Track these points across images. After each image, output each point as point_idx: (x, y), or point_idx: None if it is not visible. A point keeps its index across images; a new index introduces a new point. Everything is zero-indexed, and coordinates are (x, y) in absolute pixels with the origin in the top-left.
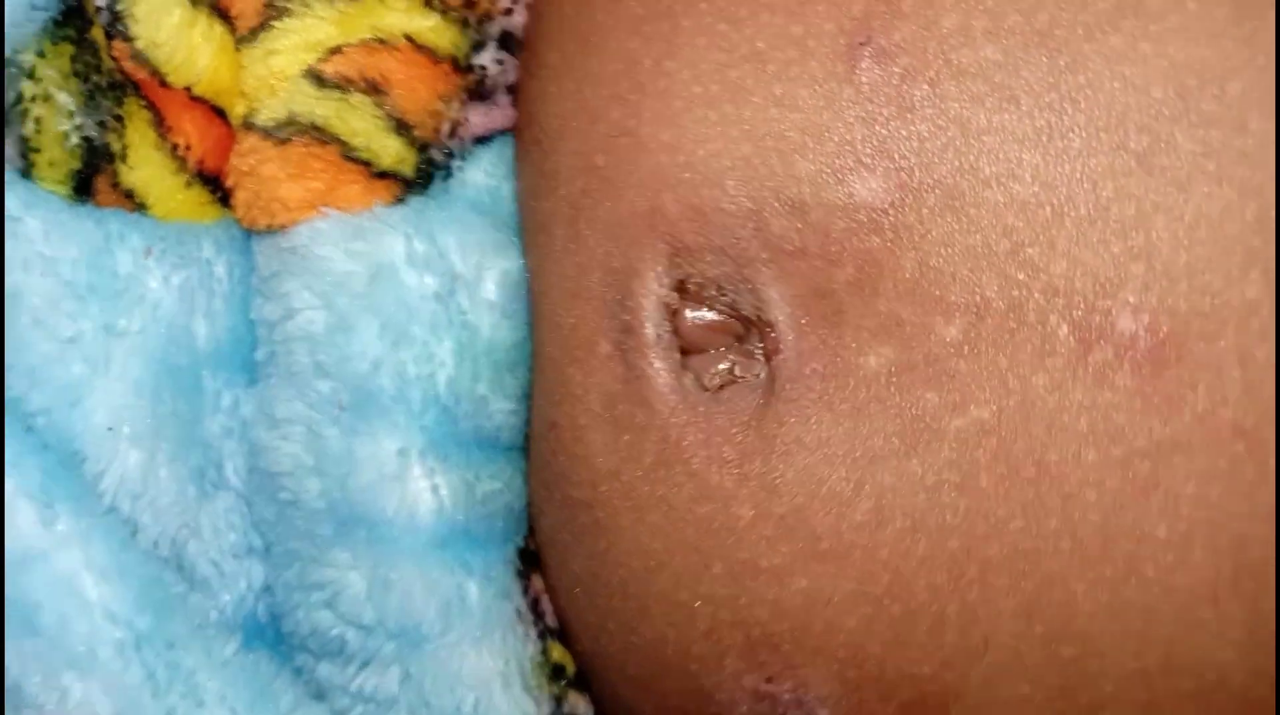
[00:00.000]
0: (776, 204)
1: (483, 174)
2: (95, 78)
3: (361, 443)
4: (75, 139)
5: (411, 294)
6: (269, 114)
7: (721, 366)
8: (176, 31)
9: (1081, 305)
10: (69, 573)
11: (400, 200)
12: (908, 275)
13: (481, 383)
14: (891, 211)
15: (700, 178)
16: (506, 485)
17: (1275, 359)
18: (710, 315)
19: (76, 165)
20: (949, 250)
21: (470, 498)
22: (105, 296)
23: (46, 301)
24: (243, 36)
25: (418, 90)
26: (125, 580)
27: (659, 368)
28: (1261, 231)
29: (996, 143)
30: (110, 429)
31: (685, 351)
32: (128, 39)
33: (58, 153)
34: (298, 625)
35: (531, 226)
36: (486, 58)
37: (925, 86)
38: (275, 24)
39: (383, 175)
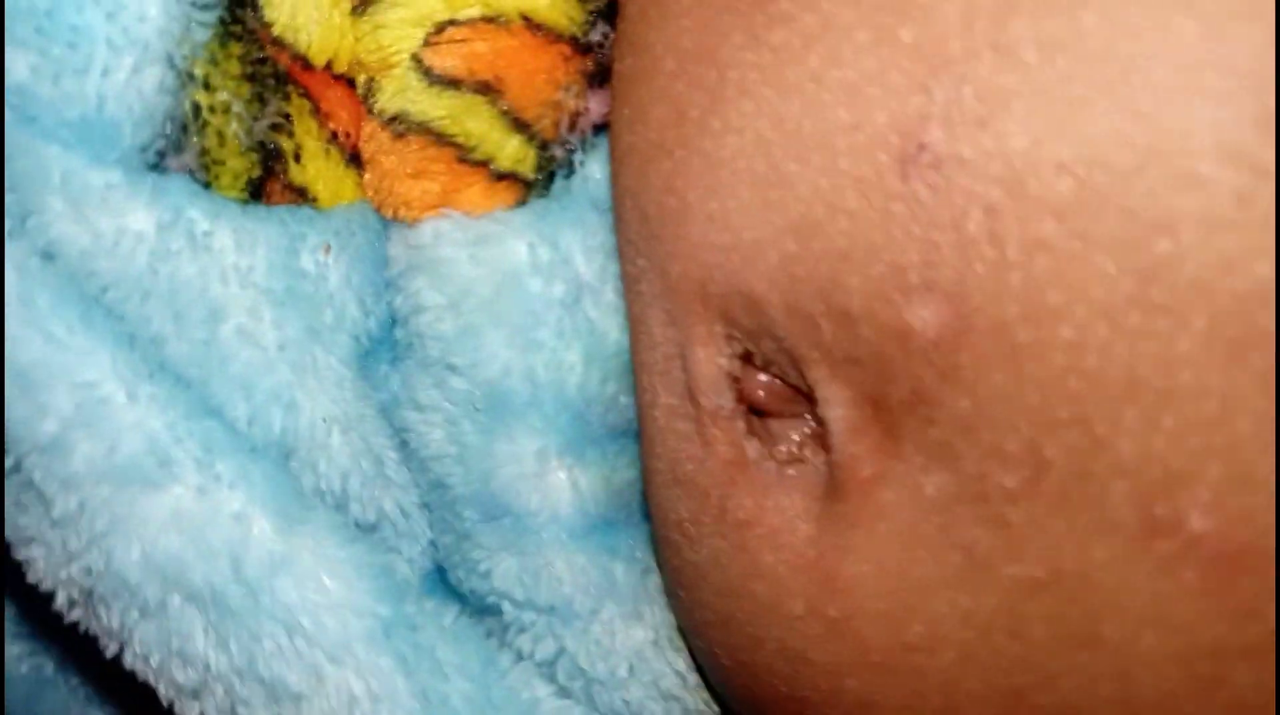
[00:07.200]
0: (824, 309)
1: (604, 167)
2: (262, 71)
3: (500, 442)
4: (250, 144)
5: (537, 301)
6: (383, 103)
7: (793, 437)
8: (310, 11)
9: (1148, 492)
10: (311, 573)
11: (522, 202)
12: (962, 413)
13: (611, 382)
14: (943, 348)
15: (746, 265)
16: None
17: None
18: (778, 383)
19: (256, 173)
20: (1005, 402)
21: (609, 490)
22: (300, 300)
23: (250, 313)
24: (355, 7)
25: (535, 82)
26: (360, 573)
27: (718, 436)
28: None
29: (1064, 302)
30: (324, 420)
31: (757, 411)
32: (265, 24)
33: (238, 162)
34: (459, 582)
35: (615, 233)
36: (599, 33)
37: (983, 215)
38: None
39: (502, 176)
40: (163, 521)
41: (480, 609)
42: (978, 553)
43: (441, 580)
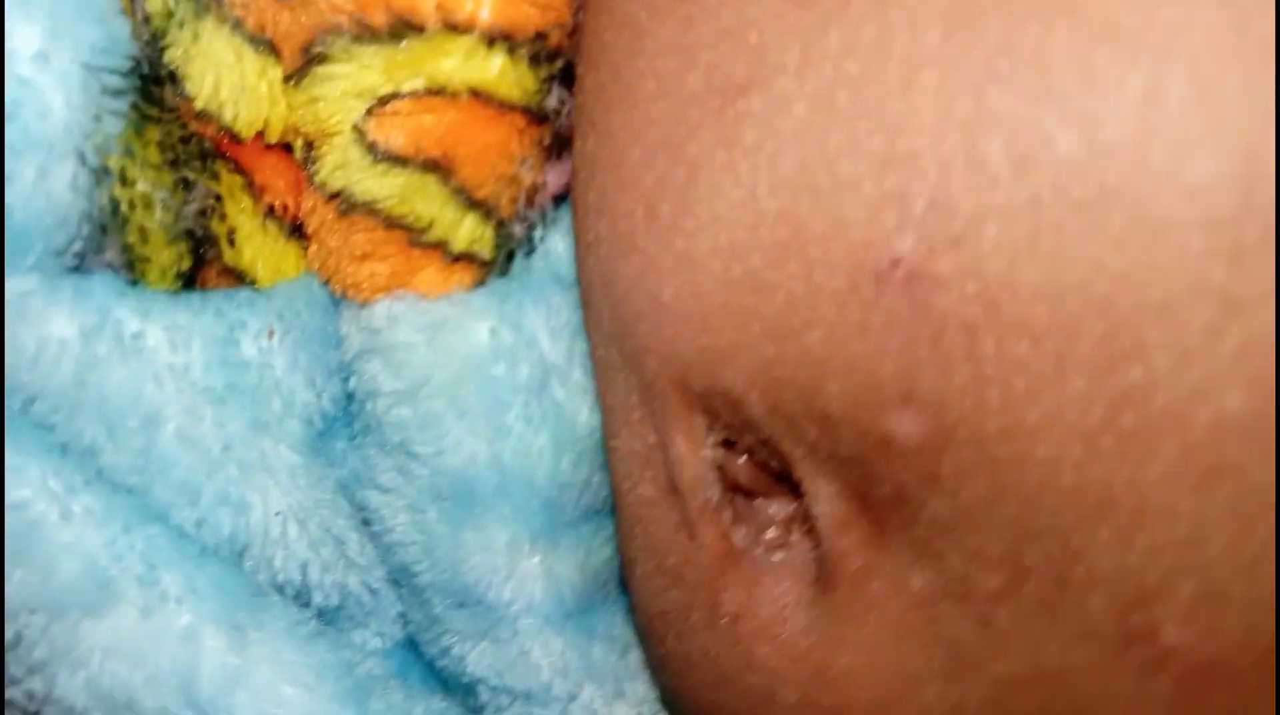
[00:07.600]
0: (805, 411)
1: (565, 241)
2: (186, 153)
3: (468, 532)
4: (177, 233)
5: (501, 387)
6: (324, 175)
7: (778, 516)
8: (235, 81)
9: (1124, 603)
10: (270, 687)
11: (480, 282)
12: (944, 516)
13: (584, 464)
14: (925, 455)
15: (725, 364)
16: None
17: None
18: (762, 466)
19: (186, 264)
20: (985, 509)
21: (584, 573)
22: (243, 394)
23: (190, 416)
24: (288, 75)
25: (488, 157)
26: (321, 676)
27: (706, 530)
28: None
29: (1040, 421)
30: (277, 514)
31: (739, 491)
32: (187, 99)
33: (165, 255)
34: (433, 659)
35: (583, 316)
36: (555, 99)
37: (961, 333)
38: (316, 69)
39: (458, 257)
40: (106, 648)
41: (455, 686)
42: (964, 648)
43: (414, 652)
